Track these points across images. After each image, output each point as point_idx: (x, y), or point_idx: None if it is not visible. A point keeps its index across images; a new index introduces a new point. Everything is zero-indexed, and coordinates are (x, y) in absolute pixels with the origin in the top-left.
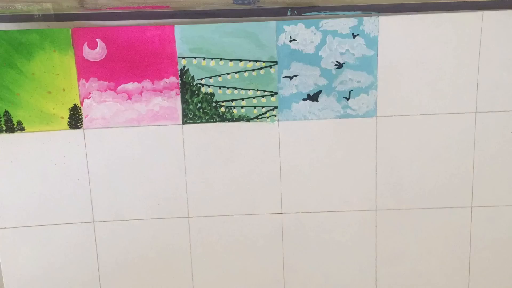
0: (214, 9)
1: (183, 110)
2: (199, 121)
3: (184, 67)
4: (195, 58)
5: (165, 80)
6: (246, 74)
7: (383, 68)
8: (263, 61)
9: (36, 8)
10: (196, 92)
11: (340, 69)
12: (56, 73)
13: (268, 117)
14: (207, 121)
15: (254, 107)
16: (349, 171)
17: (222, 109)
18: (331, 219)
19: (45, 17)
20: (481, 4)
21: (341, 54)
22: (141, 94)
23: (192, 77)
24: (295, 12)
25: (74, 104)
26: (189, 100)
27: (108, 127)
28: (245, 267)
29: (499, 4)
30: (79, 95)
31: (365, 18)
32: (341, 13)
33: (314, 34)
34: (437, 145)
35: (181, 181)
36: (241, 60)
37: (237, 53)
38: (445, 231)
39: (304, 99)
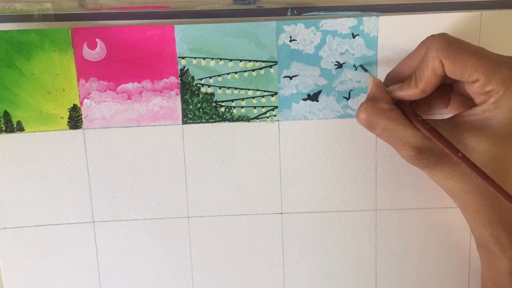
0: (214, 9)
1: (183, 110)
2: (199, 121)
3: (184, 67)
4: (195, 58)
5: (165, 80)
6: (246, 74)
7: (383, 68)
8: (263, 61)
9: (36, 8)
10: (196, 92)
11: (340, 69)
12: (55, 73)
13: (268, 117)
14: (207, 121)
15: (254, 107)
16: (349, 171)
17: (222, 109)
18: (331, 219)
19: (45, 17)
20: (480, 4)
21: (341, 54)
22: (141, 94)
23: (192, 77)
24: (295, 12)
25: (74, 104)
26: (189, 100)
27: (108, 127)
28: (245, 267)
29: (498, 4)
30: (79, 95)
31: (365, 18)
32: (341, 13)
33: (314, 34)
34: None
35: (181, 181)
36: (241, 60)
37: (237, 53)
38: (445, 231)
39: (304, 99)
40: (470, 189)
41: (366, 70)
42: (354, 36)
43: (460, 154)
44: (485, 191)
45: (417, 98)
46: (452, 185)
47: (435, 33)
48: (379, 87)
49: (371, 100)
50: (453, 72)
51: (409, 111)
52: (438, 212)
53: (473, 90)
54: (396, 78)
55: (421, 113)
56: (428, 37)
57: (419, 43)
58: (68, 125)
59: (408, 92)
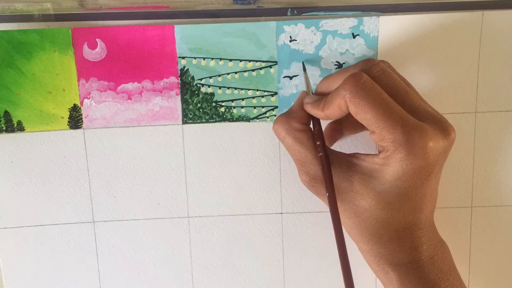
0: (214, 9)
1: (183, 110)
2: (199, 121)
3: (184, 67)
4: (195, 58)
5: (165, 80)
6: (246, 74)
7: None
8: (263, 61)
9: (36, 8)
10: (196, 92)
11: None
12: (56, 73)
13: (268, 117)
14: (207, 121)
15: (254, 107)
16: None
17: (222, 109)
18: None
19: (45, 17)
20: (481, 4)
21: (341, 54)
22: (141, 94)
23: (192, 77)
24: (295, 12)
25: (74, 104)
26: (189, 100)
27: (108, 127)
28: (245, 267)
29: (499, 4)
30: (79, 95)
31: (365, 18)
32: (341, 13)
33: (314, 34)
34: None
35: (181, 181)
36: (241, 60)
37: (237, 53)
38: (445, 231)
39: None
40: (349, 223)
41: (304, 70)
42: (354, 36)
43: (327, 194)
44: (363, 229)
45: (322, 119)
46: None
47: (436, 33)
48: (300, 101)
49: (288, 114)
50: (355, 115)
51: (318, 134)
52: (438, 212)
53: (372, 138)
54: (322, 92)
55: (347, 131)
56: (352, 72)
57: (419, 43)
58: (68, 125)
59: (314, 111)
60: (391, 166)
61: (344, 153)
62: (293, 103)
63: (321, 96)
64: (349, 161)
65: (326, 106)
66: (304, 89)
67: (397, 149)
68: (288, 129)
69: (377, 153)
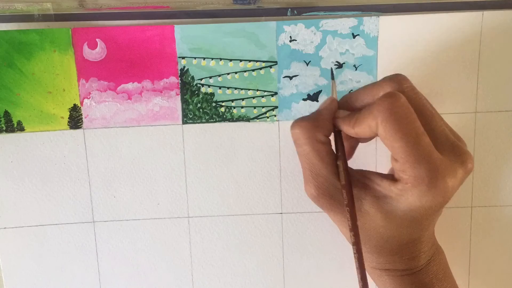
0: (214, 9)
1: (183, 110)
2: (199, 121)
3: (184, 67)
4: (195, 58)
5: (165, 80)
6: (246, 74)
7: (383, 68)
8: (263, 61)
9: (36, 8)
10: (196, 92)
11: (340, 69)
12: (56, 73)
13: (268, 117)
14: (207, 121)
15: (254, 107)
16: None
17: (222, 109)
18: (330, 219)
19: (45, 17)
20: (481, 4)
21: (341, 54)
22: (141, 94)
23: (192, 77)
24: (295, 12)
25: (74, 104)
26: (189, 100)
27: (108, 127)
28: (245, 267)
29: (499, 4)
30: (79, 95)
31: (365, 18)
32: (341, 13)
33: (314, 34)
34: None
35: (181, 181)
36: (241, 60)
37: (237, 53)
38: (445, 231)
39: (304, 99)
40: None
41: (332, 78)
42: (354, 36)
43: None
44: (365, 241)
45: (351, 135)
46: (339, 229)
47: (436, 33)
48: (329, 111)
49: (314, 122)
50: (383, 139)
51: (340, 149)
52: None
53: (392, 164)
54: (347, 105)
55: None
56: (388, 92)
57: (419, 43)
58: (68, 125)
59: (344, 127)
60: (408, 199)
61: (358, 172)
62: (319, 109)
63: (353, 112)
64: (362, 182)
65: (358, 124)
66: (305, 88)
67: (418, 185)
68: (311, 137)
69: (394, 178)
